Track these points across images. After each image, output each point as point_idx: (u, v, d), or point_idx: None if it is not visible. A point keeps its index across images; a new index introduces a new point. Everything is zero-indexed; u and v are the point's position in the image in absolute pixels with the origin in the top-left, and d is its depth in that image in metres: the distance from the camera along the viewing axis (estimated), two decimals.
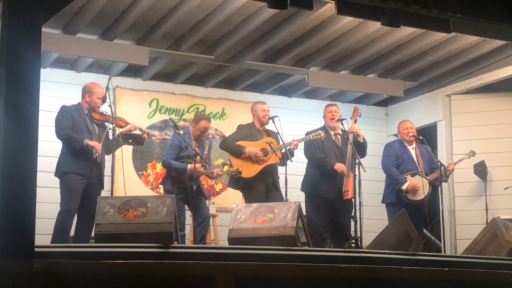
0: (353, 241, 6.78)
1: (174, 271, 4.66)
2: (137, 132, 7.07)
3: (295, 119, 9.60)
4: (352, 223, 7.11)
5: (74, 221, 6.69)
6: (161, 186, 8.10)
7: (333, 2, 5.96)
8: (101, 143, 6.68)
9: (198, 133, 7.45)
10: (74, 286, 4.38)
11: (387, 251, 5.76)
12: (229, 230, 5.95)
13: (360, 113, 7.91)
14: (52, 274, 4.31)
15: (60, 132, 6.67)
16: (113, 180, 8.85)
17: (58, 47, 7.94)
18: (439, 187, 7.73)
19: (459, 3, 5.90)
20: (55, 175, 6.68)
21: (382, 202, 8.05)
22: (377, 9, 5.97)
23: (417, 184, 7.68)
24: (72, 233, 6.74)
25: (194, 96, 9.58)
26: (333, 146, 7.58)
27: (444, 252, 8.48)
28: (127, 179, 8.66)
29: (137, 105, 9.21)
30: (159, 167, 9.03)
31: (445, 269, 5.41)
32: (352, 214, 7.18)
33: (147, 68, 9.02)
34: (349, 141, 7.44)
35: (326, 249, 6.88)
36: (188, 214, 7.54)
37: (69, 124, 6.65)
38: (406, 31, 8.00)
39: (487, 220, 8.52)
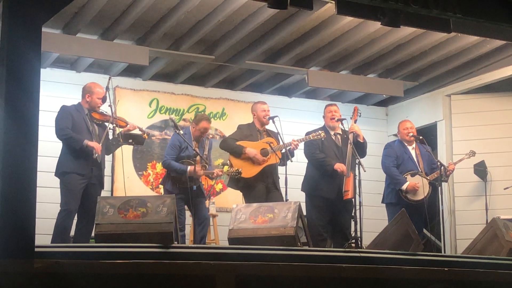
0: (353, 241, 6.77)
1: (174, 271, 4.66)
2: (137, 132, 7.06)
3: (295, 119, 9.59)
4: (352, 223, 7.11)
5: (74, 221, 6.69)
6: (161, 186, 8.10)
7: (333, 2, 5.96)
8: (101, 143, 6.67)
9: (198, 133, 7.45)
10: (74, 286, 4.38)
11: (387, 251, 5.76)
12: (229, 230, 5.95)
13: (360, 113, 7.91)
14: (52, 274, 4.30)
15: (60, 132, 6.67)
16: (113, 180, 8.84)
17: (58, 47, 7.94)
18: (439, 187, 7.73)
19: (459, 3, 5.90)
20: (55, 175, 6.68)
21: (382, 202, 8.05)
22: (377, 9, 5.97)
23: (417, 184, 7.68)
24: (72, 233, 6.74)
25: (194, 96, 9.57)
26: (333, 146, 7.58)
27: (444, 252, 8.48)
28: (127, 179, 8.66)
29: (137, 105, 9.21)
30: (159, 167, 9.02)
31: (445, 269, 5.41)
32: (352, 214, 7.18)
33: (147, 68, 9.02)
34: (349, 141, 7.44)
35: (326, 249, 6.87)
36: (188, 214, 7.54)
37: (69, 124, 6.65)
38: (406, 31, 8.00)
39: (487, 220, 8.51)
